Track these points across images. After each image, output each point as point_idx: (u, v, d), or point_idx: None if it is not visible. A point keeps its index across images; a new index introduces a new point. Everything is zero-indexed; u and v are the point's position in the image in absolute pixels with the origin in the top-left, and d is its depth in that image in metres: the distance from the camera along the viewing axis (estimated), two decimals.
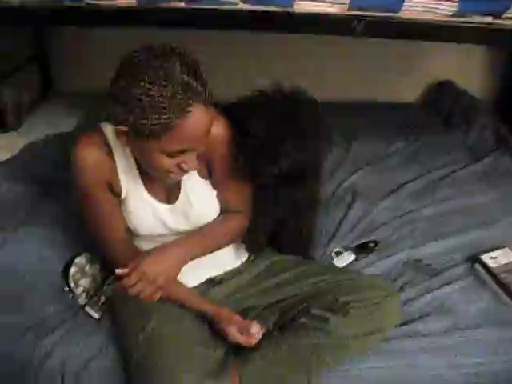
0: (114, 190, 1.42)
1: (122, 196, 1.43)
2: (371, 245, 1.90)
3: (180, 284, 1.51)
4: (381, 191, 2.14)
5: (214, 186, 1.47)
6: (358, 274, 1.68)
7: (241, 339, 1.43)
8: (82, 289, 1.69)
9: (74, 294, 1.68)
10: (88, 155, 1.34)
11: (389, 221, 1.99)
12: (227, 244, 1.54)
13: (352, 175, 2.25)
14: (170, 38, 1.18)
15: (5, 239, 1.73)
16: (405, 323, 1.59)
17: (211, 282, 1.61)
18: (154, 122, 1.13)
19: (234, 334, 1.44)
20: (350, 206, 2.07)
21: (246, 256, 1.67)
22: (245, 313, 1.55)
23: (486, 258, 1.77)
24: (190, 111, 1.14)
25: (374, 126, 2.54)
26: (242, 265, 1.65)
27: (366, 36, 1.35)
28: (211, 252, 1.49)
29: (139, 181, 1.41)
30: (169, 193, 1.45)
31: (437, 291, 1.70)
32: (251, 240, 1.60)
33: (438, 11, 1.35)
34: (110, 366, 1.47)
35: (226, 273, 1.62)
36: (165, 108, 1.12)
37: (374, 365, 1.50)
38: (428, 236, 1.92)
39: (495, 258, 1.77)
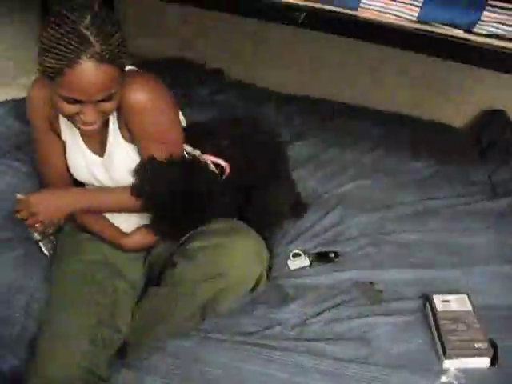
0: (57, 132, 1.53)
1: (62, 139, 1.53)
2: (331, 255, 1.84)
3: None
4: (370, 205, 2.05)
5: (138, 153, 1.49)
6: (226, 220, 1.61)
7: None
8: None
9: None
10: (36, 92, 1.47)
11: (359, 236, 1.91)
12: (128, 210, 1.55)
13: (351, 182, 2.16)
14: None
15: None
16: (311, 340, 1.54)
17: None
18: (49, 64, 1.22)
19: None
20: (328, 211, 2.00)
21: None
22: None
23: (437, 299, 1.65)
24: (78, 62, 1.20)
25: (402, 140, 2.42)
26: None
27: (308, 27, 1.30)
28: (108, 211, 1.57)
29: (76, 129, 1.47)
30: (101, 145, 1.50)
31: (368, 319, 1.63)
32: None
33: (399, 14, 1.25)
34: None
35: None
36: (57, 54, 1.20)
37: (261, 370, 1.48)
38: (392, 262, 1.82)
39: (447, 301, 1.64)
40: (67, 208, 1.51)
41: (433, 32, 1.25)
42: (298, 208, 1.99)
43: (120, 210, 1.57)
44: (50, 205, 1.48)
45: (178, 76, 2.61)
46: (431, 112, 2.63)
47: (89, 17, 1.20)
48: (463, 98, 2.60)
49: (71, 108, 1.29)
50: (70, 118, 1.34)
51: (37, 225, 1.51)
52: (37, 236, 1.78)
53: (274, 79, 2.76)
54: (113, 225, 1.61)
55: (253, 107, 2.60)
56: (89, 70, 1.21)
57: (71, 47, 1.18)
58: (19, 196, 1.47)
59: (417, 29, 1.27)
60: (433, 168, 2.28)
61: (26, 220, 1.49)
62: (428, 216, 2.01)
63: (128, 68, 1.41)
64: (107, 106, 1.30)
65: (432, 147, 2.39)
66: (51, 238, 1.80)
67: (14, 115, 2.07)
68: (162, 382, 1.50)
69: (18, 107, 2.04)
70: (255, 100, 2.66)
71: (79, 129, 1.38)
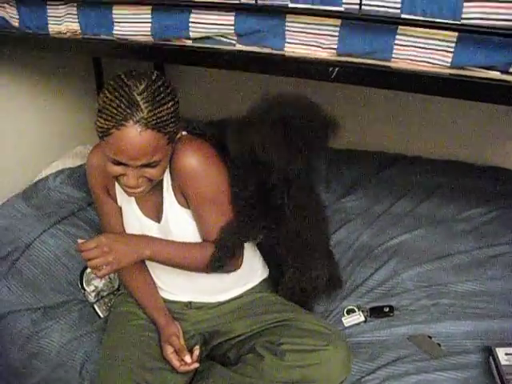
0: (113, 198, 1.57)
1: (118, 204, 1.57)
2: (386, 309, 1.79)
3: (149, 285, 1.63)
4: (425, 257, 1.99)
5: (193, 217, 1.51)
6: (312, 317, 1.60)
7: (173, 361, 1.49)
8: (92, 288, 1.84)
9: (84, 290, 1.83)
10: (93, 159, 1.52)
11: (414, 289, 1.86)
12: (195, 268, 1.53)
13: (404, 234, 2.12)
14: None
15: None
16: None
17: (189, 305, 1.66)
18: (100, 124, 1.27)
19: (168, 353, 1.51)
20: (382, 265, 1.97)
21: (235, 293, 1.67)
22: (210, 338, 1.62)
23: (500, 352, 1.57)
24: (124, 125, 1.24)
25: (457, 188, 2.36)
26: (226, 300, 1.67)
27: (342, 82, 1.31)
28: (176, 265, 1.52)
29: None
30: (157, 211, 1.52)
31: (427, 375, 1.55)
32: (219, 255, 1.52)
33: (433, 61, 1.25)
34: None
35: (207, 302, 1.65)
36: (107, 115, 1.25)
37: None
38: (450, 314, 1.75)
39: (511, 354, 1.55)
40: (137, 254, 1.45)
41: (468, 76, 1.24)
42: (334, 282, 1.85)
43: (195, 266, 1.53)
44: (122, 247, 1.42)
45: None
46: (486, 157, 2.56)
47: (144, 84, 1.26)
48: None
49: (116, 169, 1.33)
50: (117, 180, 1.38)
51: (103, 269, 1.40)
52: (92, 299, 1.83)
53: None
54: (163, 309, 1.62)
55: None
56: (133, 134, 1.24)
57: (120, 110, 1.23)
58: (81, 240, 1.45)
59: (451, 74, 1.26)
60: (490, 215, 2.20)
61: (91, 260, 1.39)
62: (486, 264, 1.93)
63: (182, 134, 1.45)
64: (151, 172, 1.33)
65: (488, 193, 2.32)
66: (106, 300, 1.85)
67: (70, 183, 2.16)
68: None
69: (74, 175, 2.13)
70: None
71: (126, 193, 1.41)
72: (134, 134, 1.24)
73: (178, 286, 1.64)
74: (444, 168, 2.51)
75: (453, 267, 1.93)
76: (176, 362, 1.48)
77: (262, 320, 1.57)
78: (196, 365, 1.49)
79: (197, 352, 1.50)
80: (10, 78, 2.20)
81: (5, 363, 1.68)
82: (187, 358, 1.48)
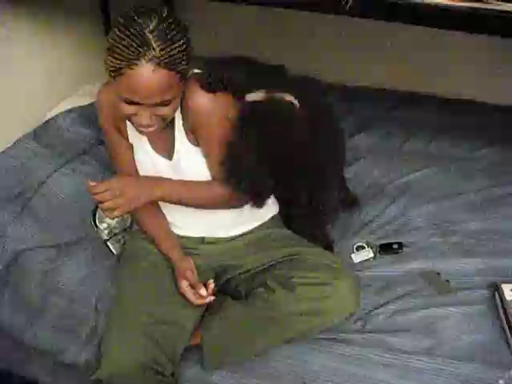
0: (123, 136, 1.57)
1: (130, 142, 1.57)
2: (395, 246, 1.80)
3: (162, 222, 1.65)
4: (436, 195, 1.99)
5: (204, 155, 1.51)
6: (320, 251, 1.61)
7: (189, 295, 1.52)
8: (105, 225, 1.86)
9: (97, 228, 1.86)
10: (103, 97, 1.50)
11: (425, 226, 1.87)
12: (205, 206, 1.55)
13: (415, 172, 2.11)
14: None
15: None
16: (375, 332, 1.52)
17: (202, 240, 1.68)
18: (111, 63, 1.25)
19: (183, 287, 1.53)
20: (392, 202, 1.97)
21: (246, 228, 1.69)
22: (221, 273, 1.65)
23: (506, 288, 1.59)
24: (136, 64, 1.22)
25: (468, 127, 2.32)
26: (237, 235, 1.68)
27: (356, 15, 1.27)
28: (187, 205, 1.53)
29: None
30: (168, 149, 1.51)
31: (434, 310, 1.59)
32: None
33: None
34: None
35: (219, 237, 1.68)
36: (119, 54, 1.23)
37: (328, 364, 1.47)
38: (459, 252, 1.76)
39: None
40: (149, 196, 1.46)
41: (486, 9, 1.20)
42: (349, 200, 1.93)
43: (206, 204, 1.55)
44: (133, 190, 1.42)
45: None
46: (499, 97, 2.51)
47: (155, 21, 1.23)
48: None
49: (129, 109, 1.32)
50: (129, 119, 1.37)
51: (115, 212, 1.39)
52: (105, 236, 1.86)
53: (336, 71, 2.74)
54: (177, 244, 1.64)
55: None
56: (146, 73, 1.23)
57: (132, 49, 1.21)
58: (92, 182, 1.41)
59: (470, 7, 1.22)
60: (502, 154, 2.19)
61: (103, 203, 1.39)
62: (497, 203, 1.93)
63: (193, 71, 1.43)
64: (164, 110, 1.32)
65: (501, 132, 2.29)
66: (119, 237, 1.87)
67: (80, 121, 2.16)
68: (229, 375, 1.53)
69: (85, 113, 2.13)
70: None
71: (139, 132, 1.42)
72: (147, 73, 1.23)
73: (190, 222, 1.65)
74: (456, 107, 2.47)
75: (463, 205, 1.93)
76: (192, 296, 1.51)
77: (272, 254, 1.59)
78: (211, 297, 1.51)
79: (212, 285, 1.53)
80: (16, 18, 2.16)
81: (22, 299, 1.73)
82: (203, 292, 1.50)
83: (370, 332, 1.54)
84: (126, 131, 1.55)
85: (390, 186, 2.06)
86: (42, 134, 2.11)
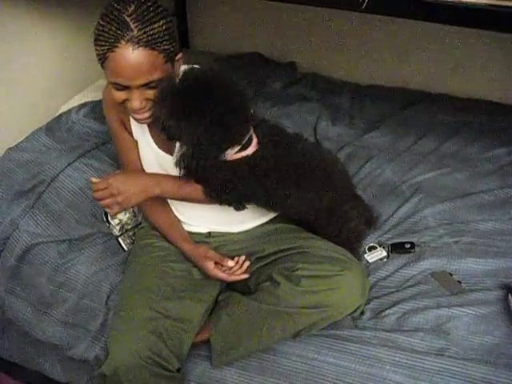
0: (128, 131, 1.58)
1: (134, 138, 1.58)
2: (407, 246, 1.79)
3: (170, 216, 1.66)
4: (448, 195, 1.98)
5: None
6: (324, 242, 1.60)
7: (220, 274, 1.53)
8: (117, 221, 1.86)
9: (109, 223, 1.86)
10: (108, 92, 1.50)
11: (437, 226, 1.85)
12: (204, 202, 1.53)
13: (428, 172, 2.10)
14: None
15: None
16: (387, 331, 1.51)
17: (209, 235, 1.69)
18: (97, 52, 1.31)
19: (210, 269, 1.54)
20: (405, 202, 1.96)
21: (252, 225, 1.69)
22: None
23: None
24: (117, 46, 1.26)
25: (482, 127, 2.31)
26: (243, 231, 1.69)
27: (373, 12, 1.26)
28: (184, 200, 1.55)
29: (146, 128, 1.54)
30: (171, 145, 1.52)
31: (446, 310, 1.58)
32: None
33: None
34: None
35: (226, 232, 1.68)
36: (101, 40, 1.28)
37: (338, 362, 1.47)
38: (471, 252, 1.75)
39: None
40: (145, 193, 1.48)
41: (503, 6, 1.19)
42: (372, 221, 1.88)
43: (197, 201, 1.54)
44: (130, 188, 1.44)
45: (252, 71, 2.65)
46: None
47: (133, 5, 1.27)
48: None
49: (120, 95, 1.35)
50: (125, 108, 1.39)
51: (114, 208, 1.44)
52: (117, 232, 1.86)
53: (348, 69, 2.73)
54: (187, 236, 1.64)
55: (327, 98, 2.57)
56: (126, 53, 1.26)
57: (112, 32, 1.26)
58: (95, 179, 1.45)
59: (487, 4, 1.21)
60: None
61: (101, 200, 1.44)
62: (509, 204, 1.91)
63: (192, 66, 1.43)
64: (152, 93, 1.34)
65: None
66: (130, 234, 1.88)
67: (93, 116, 2.15)
68: (236, 372, 1.53)
69: (97, 108, 2.12)
70: (329, 91, 2.63)
71: (136, 120, 1.43)
72: (128, 53, 1.26)
73: (196, 217, 1.66)
74: (469, 107, 2.46)
75: (476, 205, 1.92)
76: (223, 274, 1.53)
77: (278, 244, 1.59)
78: (246, 275, 1.54)
79: (243, 257, 1.55)
80: (32, 13, 2.17)
81: (34, 292, 1.74)
82: (230, 263, 1.52)
83: (381, 331, 1.53)
84: (131, 127, 1.57)
85: (403, 186, 2.04)
86: (55, 127, 2.10)
